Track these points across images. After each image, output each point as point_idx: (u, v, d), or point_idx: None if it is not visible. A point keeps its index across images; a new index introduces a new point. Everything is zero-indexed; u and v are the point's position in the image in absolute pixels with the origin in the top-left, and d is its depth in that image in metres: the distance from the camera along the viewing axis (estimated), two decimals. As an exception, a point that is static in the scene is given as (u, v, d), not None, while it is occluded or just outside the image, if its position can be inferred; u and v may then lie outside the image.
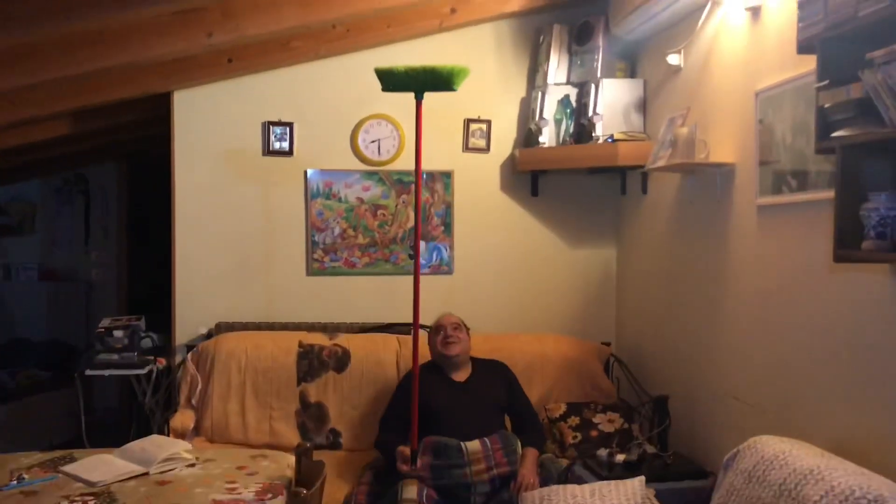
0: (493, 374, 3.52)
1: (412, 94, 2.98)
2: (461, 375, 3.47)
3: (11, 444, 4.16)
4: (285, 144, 4.19)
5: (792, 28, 2.35)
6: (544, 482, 3.06)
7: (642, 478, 2.78)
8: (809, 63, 2.30)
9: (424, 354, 3.65)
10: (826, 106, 2.11)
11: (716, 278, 3.22)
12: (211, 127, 4.16)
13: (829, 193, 2.27)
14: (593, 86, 3.92)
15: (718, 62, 3.19)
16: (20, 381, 5.72)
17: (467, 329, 3.56)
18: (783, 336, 2.73)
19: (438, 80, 2.92)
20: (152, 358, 3.93)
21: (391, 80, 2.94)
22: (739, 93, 3.00)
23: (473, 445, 3.13)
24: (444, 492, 3.07)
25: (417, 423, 3.06)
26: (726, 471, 2.50)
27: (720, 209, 3.17)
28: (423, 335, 3.76)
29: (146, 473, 2.51)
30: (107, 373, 3.85)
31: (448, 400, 3.33)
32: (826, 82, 2.12)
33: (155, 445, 2.69)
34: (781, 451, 2.28)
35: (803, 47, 2.25)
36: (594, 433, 3.55)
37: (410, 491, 2.97)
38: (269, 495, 2.36)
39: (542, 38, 4.21)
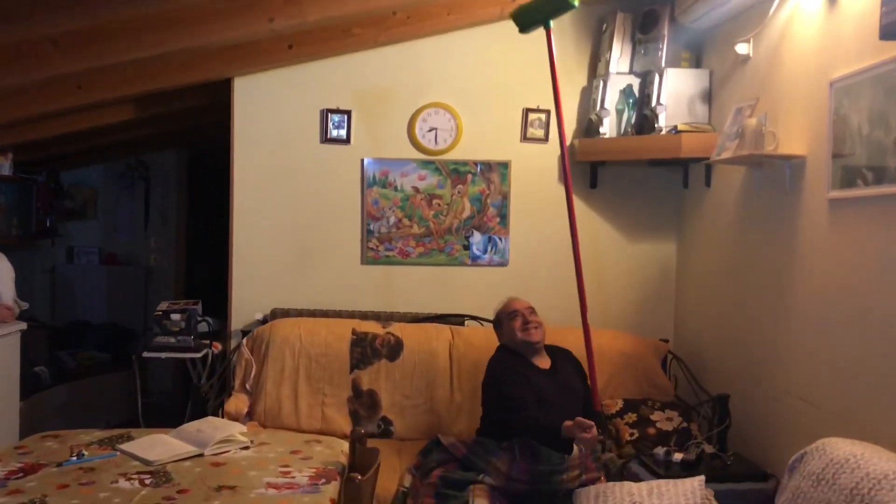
0: (569, 361, 3.37)
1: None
2: (543, 362, 3.29)
3: (70, 423, 4.26)
4: (343, 132, 4.19)
5: (873, 14, 2.25)
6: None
7: (702, 477, 2.69)
8: (891, 50, 2.19)
9: (483, 346, 3.62)
10: (911, 94, 2.02)
11: (782, 274, 3.12)
12: (270, 114, 4.18)
13: (911, 186, 2.17)
14: (657, 75, 3.83)
15: (790, 51, 3.07)
16: (81, 362, 5.86)
17: None
18: (854, 335, 2.62)
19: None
20: (208, 342, 3.99)
21: (524, 20, 2.99)
22: (812, 82, 2.88)
23: (573, 451, 2.93)
24: (527, 500, 2.85)
25: (506, 414, 2.99)
26: (792, 473, 2.41)
27: (789, 203, 3.06)
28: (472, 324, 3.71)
29: (201, 454, 2.52)
30: (163, 355, 3.90)
31: (539, 388, 3.13)
32: (911, 69, 2.03)
33: (211, 427, 2.71)
34: (853, 454, 2.18)
35: (886, 33, 2.15)
36: (652, 430, 3.47)
37: (481, 502, 2.77)
38: (323, 480, 2.34)
39: (604, 26, 4.12)
